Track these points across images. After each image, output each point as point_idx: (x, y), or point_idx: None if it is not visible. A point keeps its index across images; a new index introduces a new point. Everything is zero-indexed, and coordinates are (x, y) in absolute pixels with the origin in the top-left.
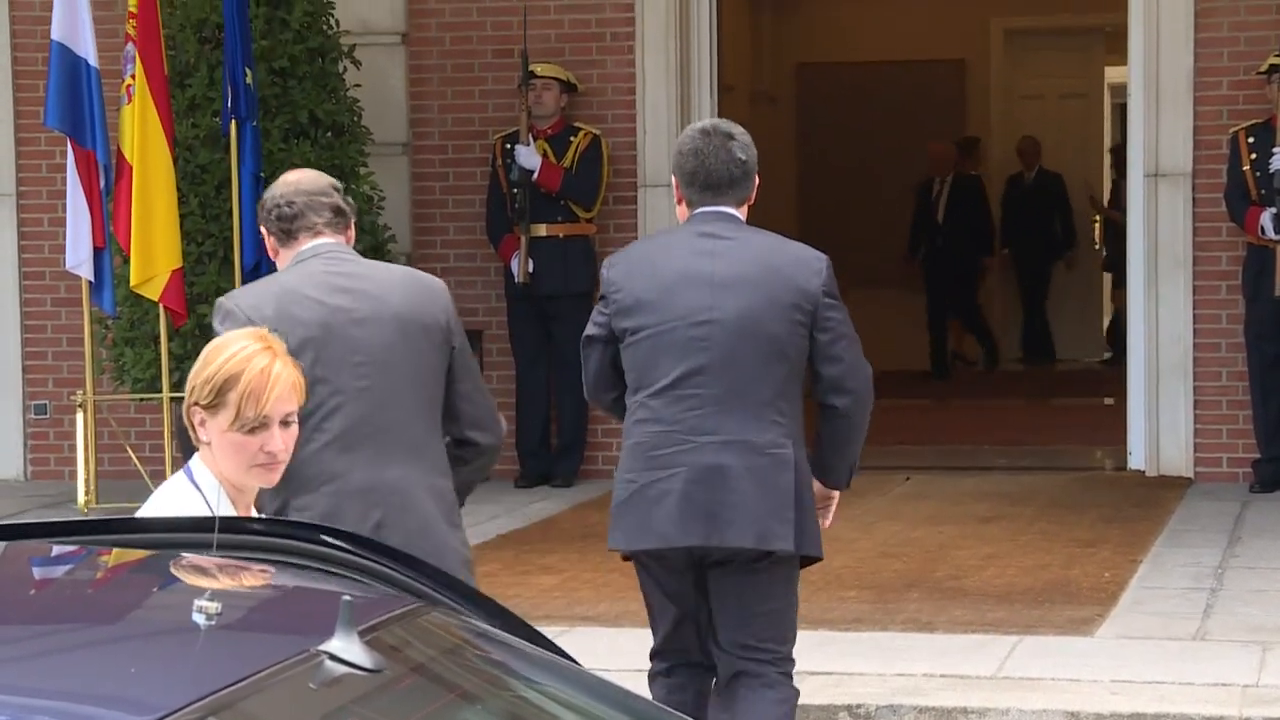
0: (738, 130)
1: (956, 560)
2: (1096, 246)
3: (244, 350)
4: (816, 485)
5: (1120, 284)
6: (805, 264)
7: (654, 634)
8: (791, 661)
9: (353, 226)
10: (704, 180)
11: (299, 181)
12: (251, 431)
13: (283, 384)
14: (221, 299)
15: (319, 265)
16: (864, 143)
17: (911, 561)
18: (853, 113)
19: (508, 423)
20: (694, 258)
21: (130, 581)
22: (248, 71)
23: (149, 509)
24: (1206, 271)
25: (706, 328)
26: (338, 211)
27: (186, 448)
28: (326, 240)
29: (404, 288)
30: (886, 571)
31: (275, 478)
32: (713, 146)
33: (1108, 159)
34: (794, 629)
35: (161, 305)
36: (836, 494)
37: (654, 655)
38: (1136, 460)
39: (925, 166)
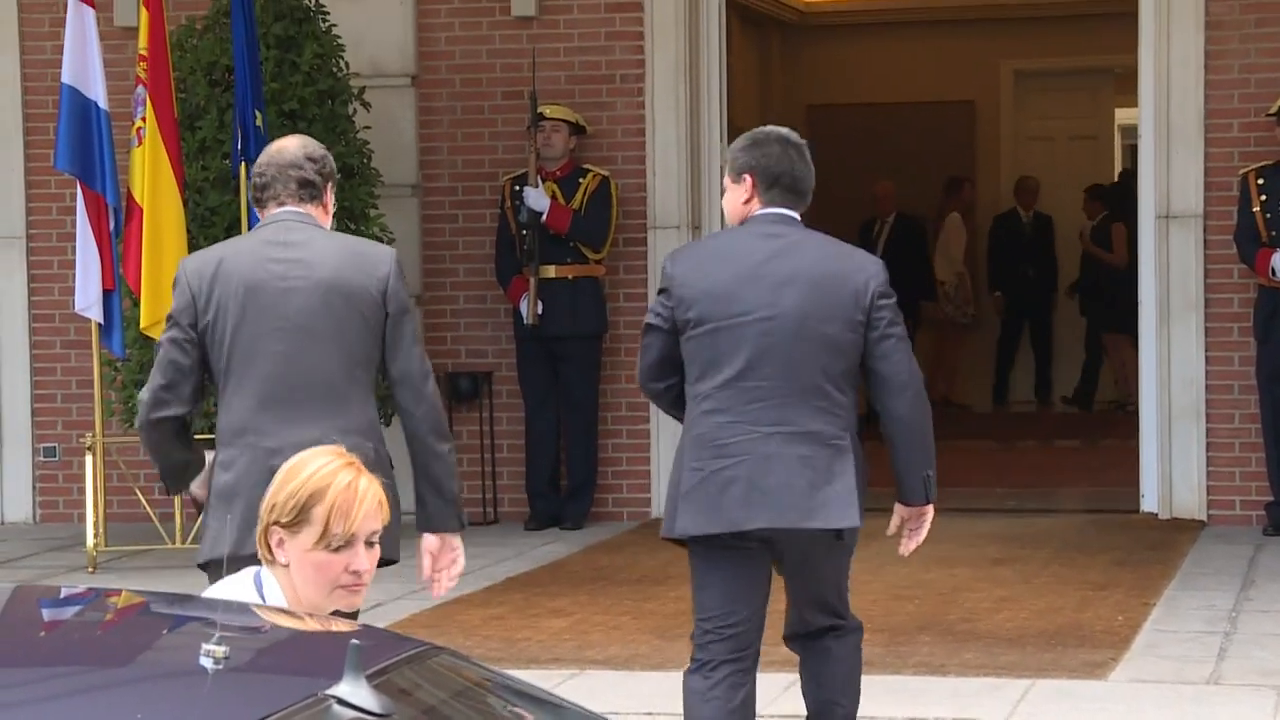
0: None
1: (969, 603)
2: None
3: (327, 466)
4: (897, 508)
5: (1103, 328)
6: (862, 266)
7: (703, 621)
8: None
9: (327, 195)
10: (788, 184)
11: (278, 152)
12: (337, 550)
13: (370, 500)
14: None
15: (267, 233)
16: (874, 184)
17: (924, 604)
18: (863, 154)
19: (518, 464)
20: (758, 255)
21: (139, 624)
22: (258, 114)
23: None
24: (1218, 314)
25: (769, 323)
26: (303, 184)
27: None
28: (288, 209)
29: (338, 256)
30: (899, 614)
31: (359, 600)
32: (796, 153)
33: (1083, 198)
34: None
35: None
36: (923, 512)
37: (699, 646)
38: (1149, 503)
39: (870, 205)
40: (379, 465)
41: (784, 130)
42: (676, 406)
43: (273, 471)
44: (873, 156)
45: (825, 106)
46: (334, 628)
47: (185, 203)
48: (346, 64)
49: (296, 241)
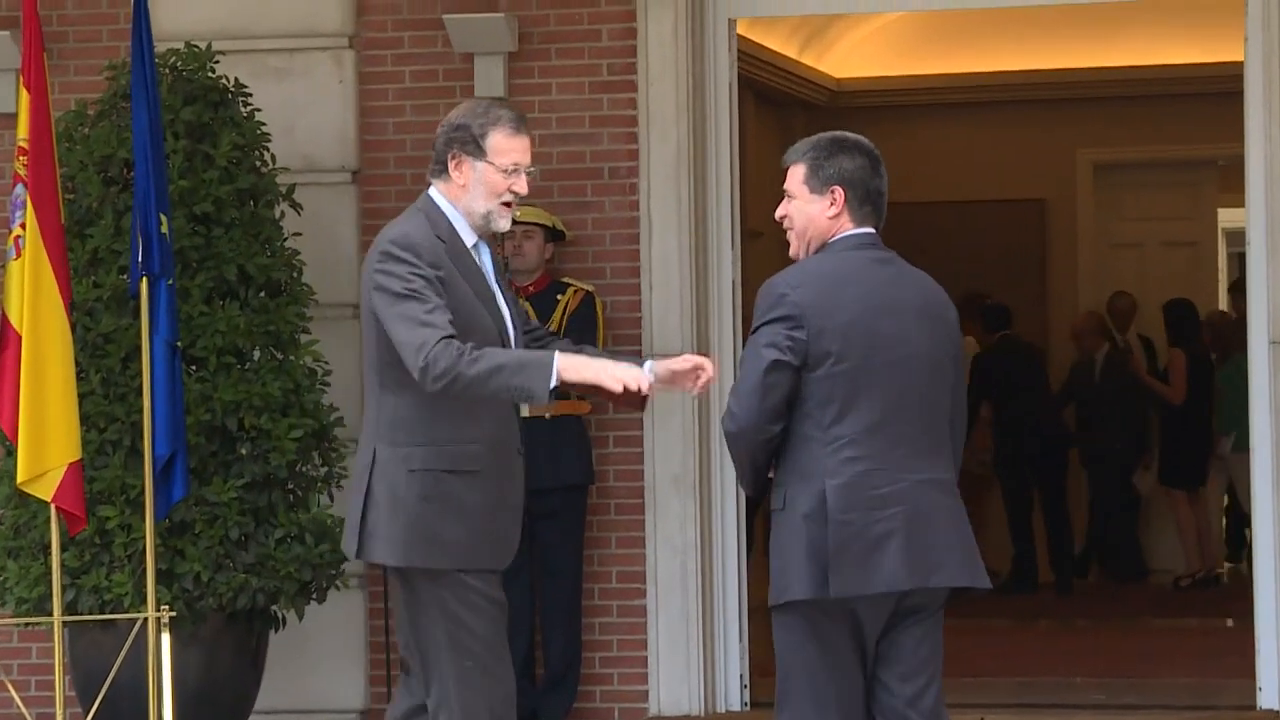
0: None
1: None
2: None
3: None
4: None
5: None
6: (947, 298)
7: None
8: None
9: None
10: (877, 202)
11: None
12: None
13: None
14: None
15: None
16: None
17: None
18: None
19: None
20: (880, 284)
21: None
22: (162, 218)
23: None
24: None
25: (907, 360)
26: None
27: None
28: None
29: None
30: None
31: None
32: (882, 168)
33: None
34: None
35: (54, 507)
36: None
37: None
38: (1268, 697)
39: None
40: None
41: (864, 139)
42: (769, 457)
43: None
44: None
45: None
46: None
47: (73, 327)
48: (272, 156)
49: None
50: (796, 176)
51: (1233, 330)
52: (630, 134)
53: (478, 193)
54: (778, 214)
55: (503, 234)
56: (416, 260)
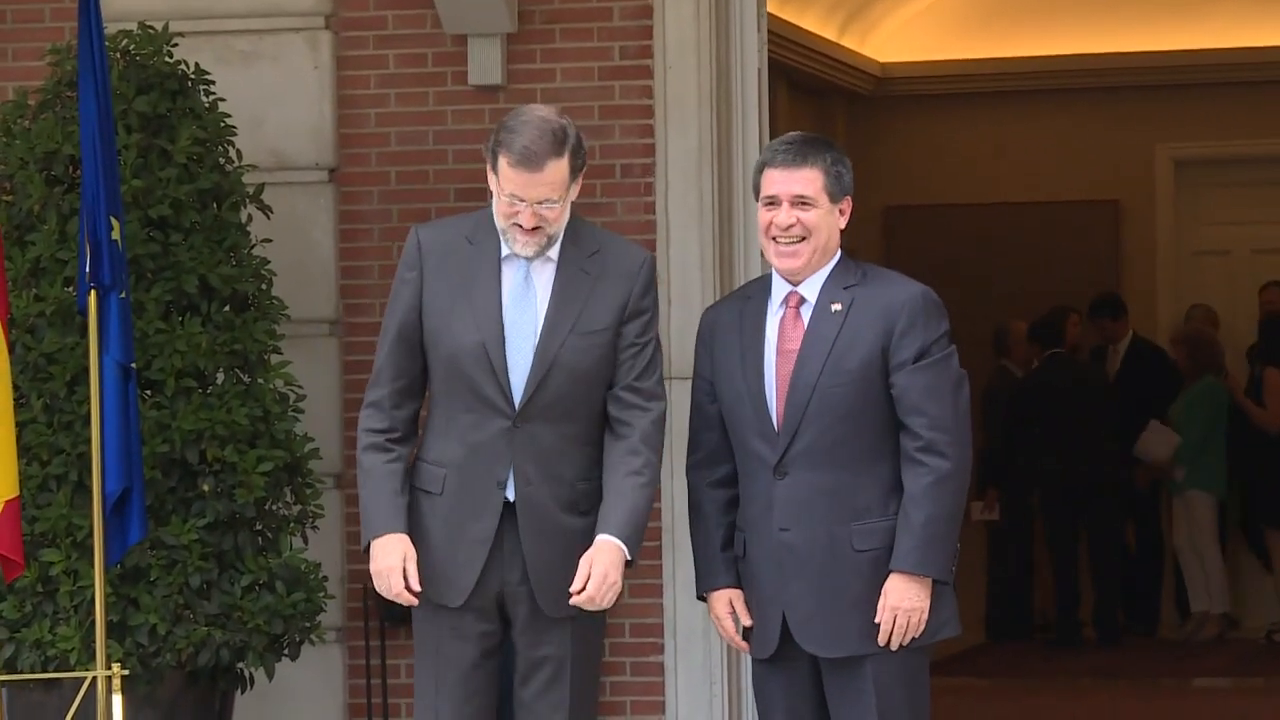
0: None
1: None
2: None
3: None
4: None
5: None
6: None
7: None
8: None
9: None
10: None
11: None
12: None
13: None
14: None
15: None
16: (979, 308)
17: None
18: (962, 276)
19: None
20: None
21: None
22: (113, 223)
23: None
24: None
25: None
26: None
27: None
28: None
29: None
30: None
31: None
32: None
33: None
34: None
35: None
36: None
37: None
38: None
39: None
40: None
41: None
42: None
43: None
44: (976, 280)
45: (910, 209)
46: None
47: (11, 348)
48: (238, 152)
49: None
50: (816, 182)
51: None
52: (645, 126)
53: (495, 207)
54: (783, 221)
55: None
56: (405, 260)
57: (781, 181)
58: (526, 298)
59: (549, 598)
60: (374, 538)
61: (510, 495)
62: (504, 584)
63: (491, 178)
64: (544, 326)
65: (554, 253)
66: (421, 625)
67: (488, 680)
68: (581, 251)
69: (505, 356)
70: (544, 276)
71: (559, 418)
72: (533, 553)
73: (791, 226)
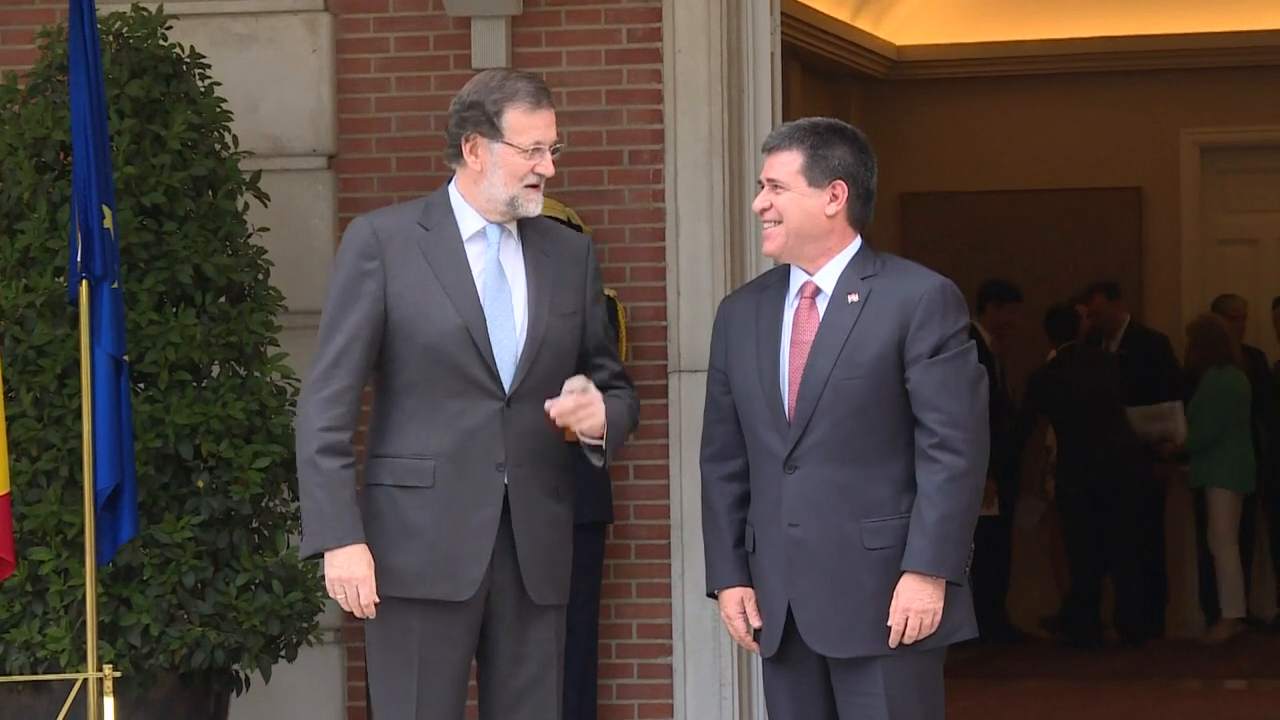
0: None
1: None
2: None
3: None
4: None
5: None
6: None
7: None
8: None
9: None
10: (869, 201)
11: None
12: None
13: None
14: None
15: None
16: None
17: None
18: (979, 264)
19: None
20: None
21: None
22: (105, 211)
23: None
24: None
25: None
26: None
27: None
28: None
29: None
30: None
31: None
32: (874, 164)
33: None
34: None
35: None
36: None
37: None
38: None
39: None
40: None
41: (857, 129)
42: None
43: None
44: (993, 267)
45: (925, 196)
46: None
47: (0, 339)
48: (235, 138)
49: None
50: (790, 165)
51: None
52: (654, 111)
53: (497, 177)
54: (757, 205)
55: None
56: (359, 250)
57: (765, 165)
58: (500, 278)
59: (537, 585)
60: (333, 546)
61: (505, 479)
62: (497, 572)
63: (487, 151)
64: (530, 305)
65: (514, 229)
66: (390, 632)
67: (465, 683)
68: (537, 233)
69: (489, 338)
70: (511, 256)
71: (544, 399)
72: (524, 536)
73: (765, 210)
